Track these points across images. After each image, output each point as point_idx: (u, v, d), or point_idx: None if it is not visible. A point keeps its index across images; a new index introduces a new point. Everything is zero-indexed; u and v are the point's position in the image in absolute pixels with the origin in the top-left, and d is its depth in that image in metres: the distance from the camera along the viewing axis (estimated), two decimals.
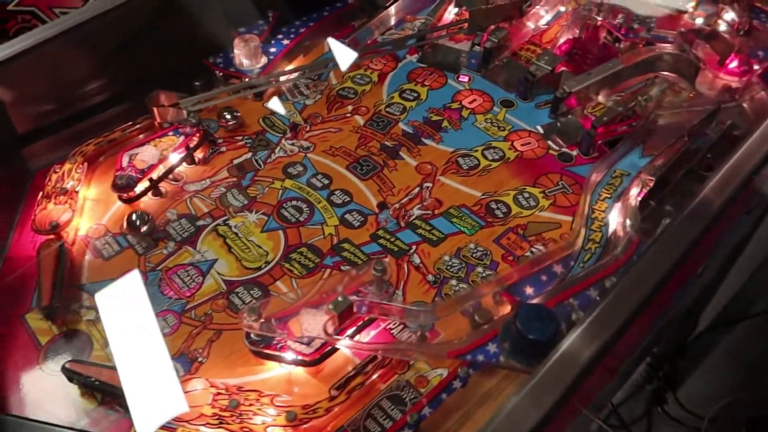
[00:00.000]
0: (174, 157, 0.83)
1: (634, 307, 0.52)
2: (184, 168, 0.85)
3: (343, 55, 1.01)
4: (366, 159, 0.87)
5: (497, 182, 0.84)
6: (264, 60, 0.98)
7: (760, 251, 1.25)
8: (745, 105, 0.89)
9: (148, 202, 0.81)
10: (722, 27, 1.03)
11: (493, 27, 1.02)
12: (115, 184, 0.78)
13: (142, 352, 0.64)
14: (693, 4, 1.07)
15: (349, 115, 0.94)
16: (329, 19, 1.08)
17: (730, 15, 1.03)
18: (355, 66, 1.02)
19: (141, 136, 0.89)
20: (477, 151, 0.88)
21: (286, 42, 1.01)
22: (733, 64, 0.96)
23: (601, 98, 0.93)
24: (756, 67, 0.95)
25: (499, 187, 0.83)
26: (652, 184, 0.75)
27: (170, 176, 0.83)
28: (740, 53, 0.96)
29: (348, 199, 0.82)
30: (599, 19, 1.05)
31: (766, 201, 0.96)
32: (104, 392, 0.61)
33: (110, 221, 0.79)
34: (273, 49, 1.00)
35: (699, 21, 1.04)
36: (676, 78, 0.93)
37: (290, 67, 1.00)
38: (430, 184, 0.83)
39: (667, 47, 0.95)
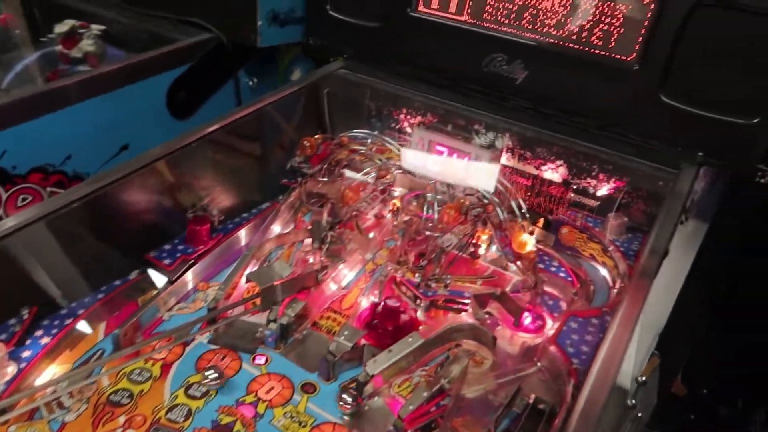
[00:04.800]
0: None
1: None
2: None
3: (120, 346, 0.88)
4: None
5: None
6: (12, 370, 0.81)
7: None
8: (542, 369, 0.89)
9: None
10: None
11: (289, 299, 0.96)
12: None
13: None
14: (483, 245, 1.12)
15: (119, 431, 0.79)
16: (108, 300, 0.96)
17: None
18: (134, 353, 0.89)
19: None
20: None
21: (46, 340, 0.86)
22: (527, 321, 0.97)
23: (405, 375, 0.88)
24: (549, 321, 0.98)
25: None
26: None
27: None
28: (532, 309, 0.99)
29: None
30: (398, 276, 1.05)
31: None
32: None
33: None
34: (27, 353, 0.84)
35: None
36: (477, 345, 0.92)
37: (51, 369, 0.85)
38: None
39: (464, 316, 0.95)
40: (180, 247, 1.06)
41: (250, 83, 1.57)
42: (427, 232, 1.06)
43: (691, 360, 1.56)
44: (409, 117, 1.37)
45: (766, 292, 1.49)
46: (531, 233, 1.03)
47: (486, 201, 1.07)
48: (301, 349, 0.94)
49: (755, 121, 1.02)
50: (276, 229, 1.17)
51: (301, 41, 1.50)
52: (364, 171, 1.16)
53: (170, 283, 0.99)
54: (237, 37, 1.43)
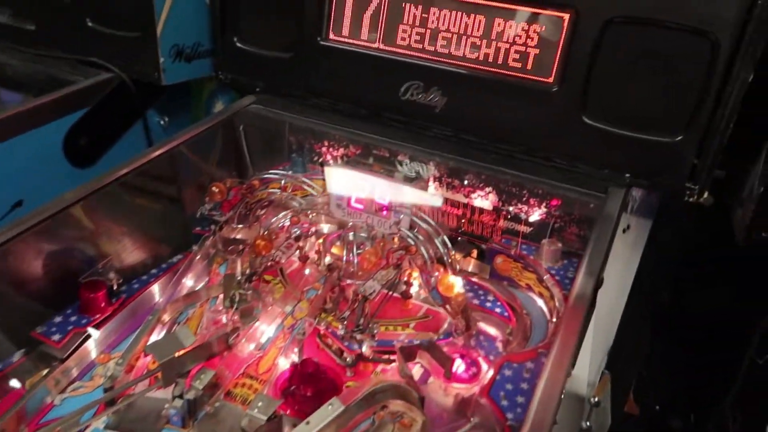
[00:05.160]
0: None
1: None
2: None
3: None
4: None
5: None
6: None
7: None
8: (476, 425, 0.82)
9: None
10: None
11: (198, 368, 0.87)
12: None
13: None
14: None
15: None
16: None
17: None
18: None
19: None
20: None
21: None
22: (460, 370, 0.91)
23: None
24: (484, 366, 0.92)
25: None
26: None
27: None
28: (466, 355, 0.92)
29: None
30: (322, 328, 0.97)
31: None
32: None
33: None
34: None
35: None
36: (405, 405, 0.84)
37: None
38: None
39: (391, 371, 0.87)
40: (73, 319, 0.94)
41: (161, 122, 1.47)
42: (348, 280, 0.98)
43: (641, 376, 1.52)
44: (331, 150, 1.29)
45: (707, 302, 1.47)
46: (459, 272, 0.97)
47: (410, 242, 1.00)
48: (213, 425, 0.84)
49: (679, 138, 0.99)
50: (189, 283, 1.07)
51: (212, 75, 1.40)
52: (278, 216, 1.08)
53: (61, 361, 0.88)
54: (139, 75, 1.33)
